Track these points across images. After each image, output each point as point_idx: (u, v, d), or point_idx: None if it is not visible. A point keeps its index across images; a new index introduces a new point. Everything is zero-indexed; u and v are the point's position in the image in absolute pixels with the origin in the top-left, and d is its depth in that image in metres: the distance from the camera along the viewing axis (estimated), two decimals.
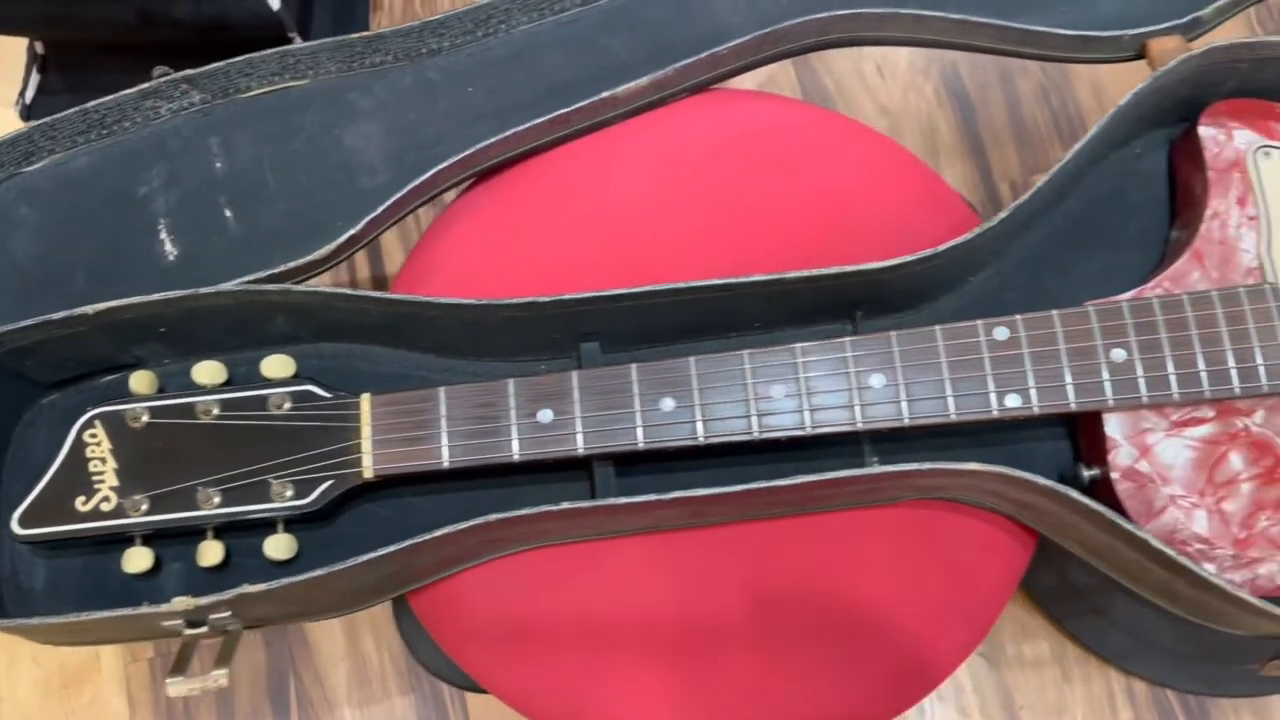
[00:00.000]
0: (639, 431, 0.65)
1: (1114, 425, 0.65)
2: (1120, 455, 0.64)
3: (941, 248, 0.65)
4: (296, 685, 1.16)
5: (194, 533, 0.66)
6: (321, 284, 0.75)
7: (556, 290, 0.67)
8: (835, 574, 0.70)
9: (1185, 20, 0.72)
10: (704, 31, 0.80)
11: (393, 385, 0.68)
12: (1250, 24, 1.30)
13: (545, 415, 0.65)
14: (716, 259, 0.74)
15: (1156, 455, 0.64)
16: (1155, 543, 0.60)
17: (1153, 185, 0.74)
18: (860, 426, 0.64)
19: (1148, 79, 0.67)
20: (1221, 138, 0.69)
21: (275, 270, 0.72)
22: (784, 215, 0.75)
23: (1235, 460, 0.64)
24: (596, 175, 0.77)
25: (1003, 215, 0.66)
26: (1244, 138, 0.69)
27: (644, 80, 0.76)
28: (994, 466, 0.62)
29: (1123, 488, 0.64)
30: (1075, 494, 0.61)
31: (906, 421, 0.64)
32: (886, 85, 1.34)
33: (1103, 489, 0.65)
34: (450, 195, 0.81)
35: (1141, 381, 0.64)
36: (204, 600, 0.61)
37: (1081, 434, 0.68)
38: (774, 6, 0.80)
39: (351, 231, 0.72)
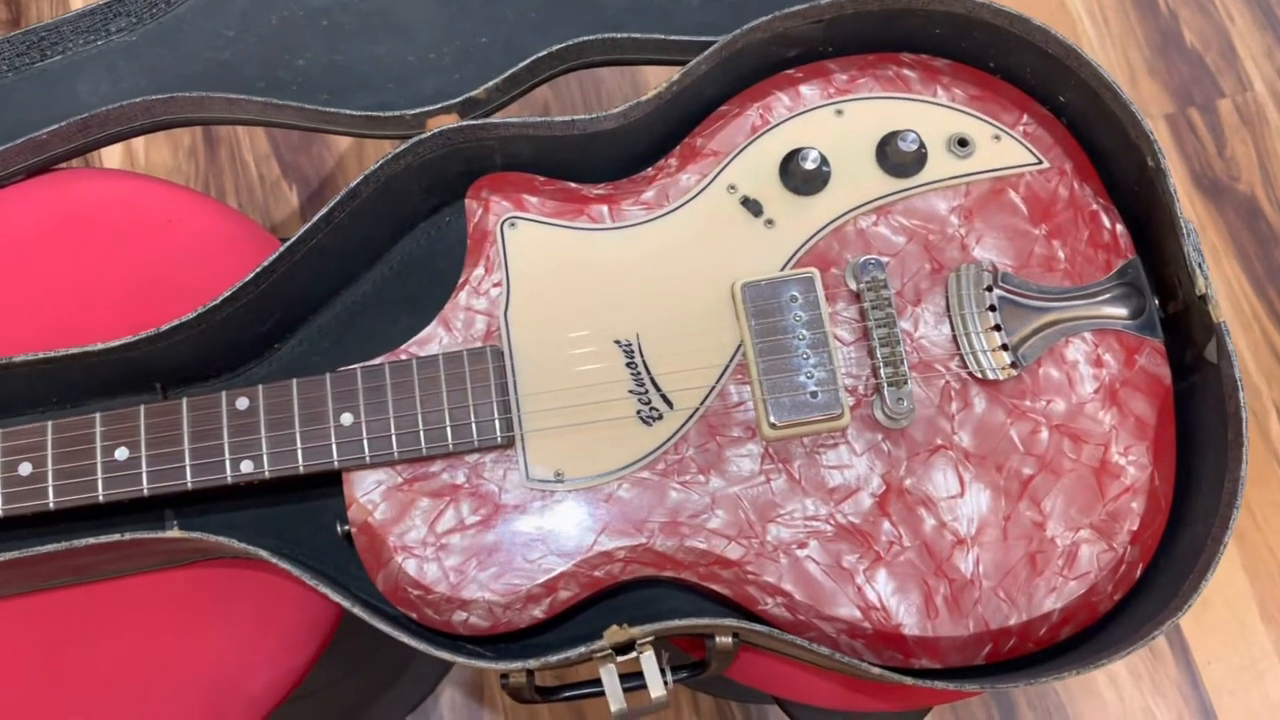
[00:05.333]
0: None
1: (355, 484, 0.70)
2: (356, 511, 0.69)
3: (164, 327, 0.69)
4: None
5: None
6: None
7: None
8: (139, 636, 0.73)
9: (460, 100, 0.78)
10: (62, 112, 0.82)
11: None
12: None
13: None
14: (45, 336, 0.77)
15: (386, 509, 0.69)
16: (325, 591, 0.65)
17: (457, 251, 0.79)
18: (102, 499, 0.68)
19: (382, 157, 0.72)
20: (480, 210, 0.75)
21: None
22: (113, 289, 0.78)
23: (457, 511, 0.69)
24: None
25: (226, 294, 0.71)
26: (499, 209, 0.75)
27: None
28: (165, 532, 0.68)
29: (359, 542, 0.69)
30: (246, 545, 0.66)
31: (146, 492, 0.68)
32: None
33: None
34: None
35: (365, 443, 0.69)
36: None
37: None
38: (134, 87, 0.83)
39: None
